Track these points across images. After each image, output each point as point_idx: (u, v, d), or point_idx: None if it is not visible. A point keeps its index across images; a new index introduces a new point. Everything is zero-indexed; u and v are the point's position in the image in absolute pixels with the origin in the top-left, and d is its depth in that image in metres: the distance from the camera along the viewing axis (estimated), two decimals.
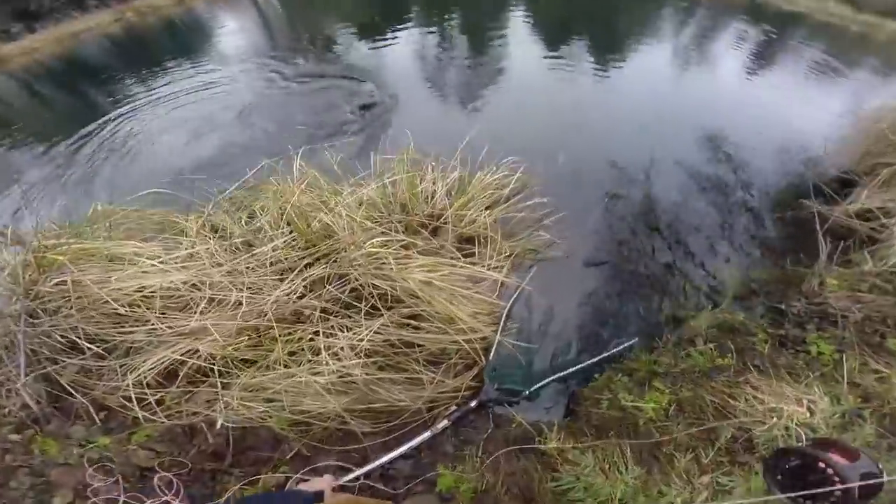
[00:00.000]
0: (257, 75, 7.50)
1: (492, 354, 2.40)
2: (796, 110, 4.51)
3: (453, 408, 2.04)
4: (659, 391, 2.23)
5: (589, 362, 2.58)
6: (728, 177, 4.12)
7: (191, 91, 6.92)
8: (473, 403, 2.09)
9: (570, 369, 2.51)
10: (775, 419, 1.93)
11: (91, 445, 1.69)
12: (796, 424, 1.89)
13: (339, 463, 1.76)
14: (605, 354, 2.63)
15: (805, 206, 3.50)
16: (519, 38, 8.84)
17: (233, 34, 12.12)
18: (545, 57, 7.66)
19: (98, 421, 1.69)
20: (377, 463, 1.46)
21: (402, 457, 1.83)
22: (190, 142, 5.12)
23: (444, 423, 1.95)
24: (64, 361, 1.72)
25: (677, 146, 4.54)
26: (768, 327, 2.71)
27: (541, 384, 2.36)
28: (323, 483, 1.30)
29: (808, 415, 1.95)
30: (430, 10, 11.60)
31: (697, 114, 5.55)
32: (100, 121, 6.14)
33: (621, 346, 2.69)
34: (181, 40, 12.80)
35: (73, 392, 1.70)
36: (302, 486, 1.28)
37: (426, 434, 1.87)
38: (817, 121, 4.19)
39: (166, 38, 13.49)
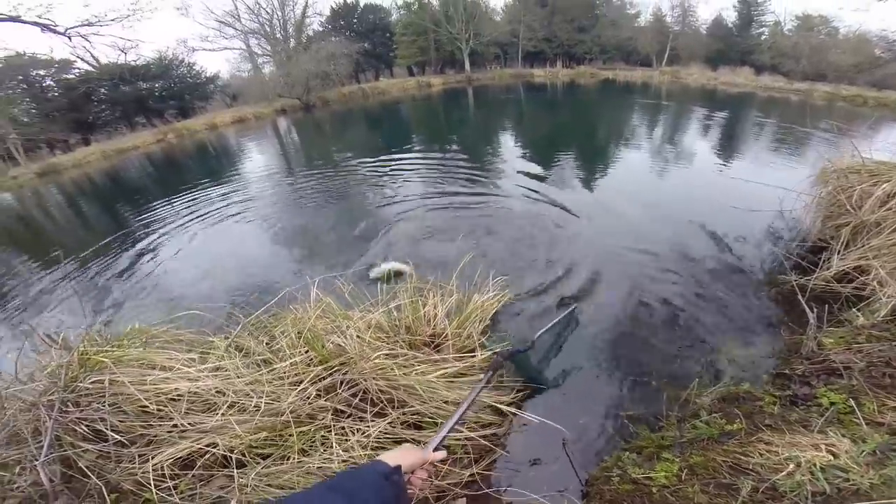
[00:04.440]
0: (274, 199, 8.44)
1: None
2: (765, 186, 4.79)
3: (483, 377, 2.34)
4: (668, 461, 2.22)
5: (552, 323, 3.21)
6: (714, 265, 4.34)
7: (217, 216, 7.82)
8: (500, 358, 2.50)
9: (547, 326, 3.14)
10: (791, 466, 1.89)
11: None
12: (821, 468, 1.82)
13: None
14: (560, 316, 3.37)
15: (786, 281, 3.64)
16: (510, 160, 9.50)
17: (256, 159, 13.84)
18: (534, 177, 8.05)
19: (109, 502, 1.74)
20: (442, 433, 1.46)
21: None
22: (215, 266, 5.58)
23: (482, 376, 2.30)
24: (85, 448, 1.88)
25: (665, 242, 4.84)
26: (775, 391, 2.71)
27: (536, 336, 2.97)
28: (411, 456, 1.09)
29: (830, 458, 1.89)
30: (431, 141, 13.03)
31: (682, 207, 5.95)
32: (135, 241, 7.04)
33: (569, 310, 3.53)
34: (212, 163, 14.80)
35: (89, 474, 1.80)
36: (388, 456, 1.04)
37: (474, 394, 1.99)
38: (784, 194, 4.45)
39: (199, 161, 15.57)
